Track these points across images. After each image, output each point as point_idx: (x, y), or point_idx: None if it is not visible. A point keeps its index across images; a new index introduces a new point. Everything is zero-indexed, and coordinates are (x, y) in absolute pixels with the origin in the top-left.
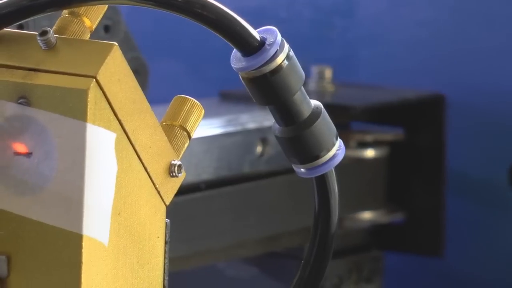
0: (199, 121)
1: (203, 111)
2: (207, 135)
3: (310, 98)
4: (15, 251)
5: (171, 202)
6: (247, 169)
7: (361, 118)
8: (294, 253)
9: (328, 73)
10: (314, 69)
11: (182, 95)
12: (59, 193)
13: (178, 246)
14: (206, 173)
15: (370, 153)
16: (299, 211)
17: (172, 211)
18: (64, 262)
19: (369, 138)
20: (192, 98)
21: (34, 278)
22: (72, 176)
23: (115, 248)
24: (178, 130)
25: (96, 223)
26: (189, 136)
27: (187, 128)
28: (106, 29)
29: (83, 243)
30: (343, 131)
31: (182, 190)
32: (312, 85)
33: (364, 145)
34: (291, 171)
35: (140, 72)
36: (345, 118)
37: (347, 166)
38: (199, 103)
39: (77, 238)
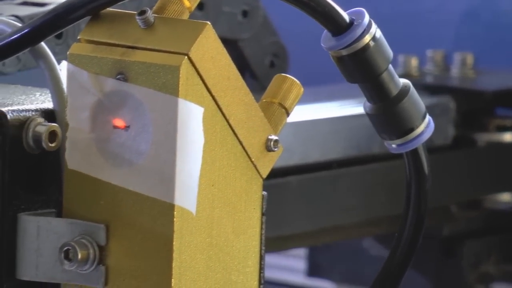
0: (297, 99)
1: (302, 89)
2: (337, 116)
3: (450, 84)
4: (113, 219)
5: (298, 180)
6: (377, 150)
7: (504, 103)
8: (430, 232)
9: (470, 59)
10: (457, 56)
11: (283, 74)
12: (153, 165)
13: (307, 222)
14: (335, 153)
15: (509, 137)
16: (433, 190)
17: (299, 188)
18: (158, 231)
19: (508, 122)
20: (292, 77)
21: (130, 246)
22: (165, 149)
23: (209, 218)
24: (276, 107)
25: (186, 193)
26: (287, 113)
27: (286, 106)
28: (244, 14)
29: (175, 213)
30: (484, 116)
31: (309, 168)
32: (454, 71)
33: (503, 129)
34: None
35: (279, 55)
36: (481, 103)
37: (486, 149)
38: (298, 82)
39: (169, 208)
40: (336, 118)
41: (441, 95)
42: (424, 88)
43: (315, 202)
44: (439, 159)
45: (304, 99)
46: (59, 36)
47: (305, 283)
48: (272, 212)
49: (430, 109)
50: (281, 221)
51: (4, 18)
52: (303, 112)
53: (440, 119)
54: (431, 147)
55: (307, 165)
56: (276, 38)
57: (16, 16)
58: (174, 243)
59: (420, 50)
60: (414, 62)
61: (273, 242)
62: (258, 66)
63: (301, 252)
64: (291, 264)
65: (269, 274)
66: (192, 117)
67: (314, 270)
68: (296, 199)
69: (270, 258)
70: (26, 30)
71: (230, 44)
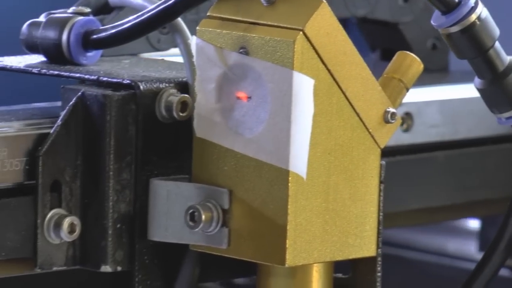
0: (417, 75)
1: (421, 66)
2: (472, 96)
3: None
4: (235, 184)
5: (445, 155)
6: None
7: None
8: None
9: None
10: None
11: (405, 51)
12: (270, 133)
13: (455, 195)
14: (482, 131)
15: None
16: None
17: (447, 162)
18: (275, 195)
19: None
20: (412, 55)
21: (250, 209)
22: (281, 118)
23: (325, 184)
24: (396, 83)
25: (299, 159)
26: (407, 88)
27: (405, 81)
28: None
29: (290, 178)
30: None
31: (457, 145)
32: None
33: None
34: None
35: (441, 38)
36: None
37: None
38: (418, 59)
39: (285, 173)
40: (471, 98)
41: None
42: None
43: (463, 177)
44: None
45: (458, 79)
46: None
47: (477, 258)
48: (419, 185)
49: None
50: (429, 194)
51: None
52: (454, 91)
53: None
54: None
55: (455, 141)
56: None
57: None
58: (289, 206)
59: None
60: None
61: (422, 213)
62: (420, 49)
63: (475, 227)
64: (464, 239)
65: (441, 248)
66: (304, 88)
67: (486, 246)
68: (443, 173)
69: (442, 233)
70: (163, 7)
71: (391, 27)
